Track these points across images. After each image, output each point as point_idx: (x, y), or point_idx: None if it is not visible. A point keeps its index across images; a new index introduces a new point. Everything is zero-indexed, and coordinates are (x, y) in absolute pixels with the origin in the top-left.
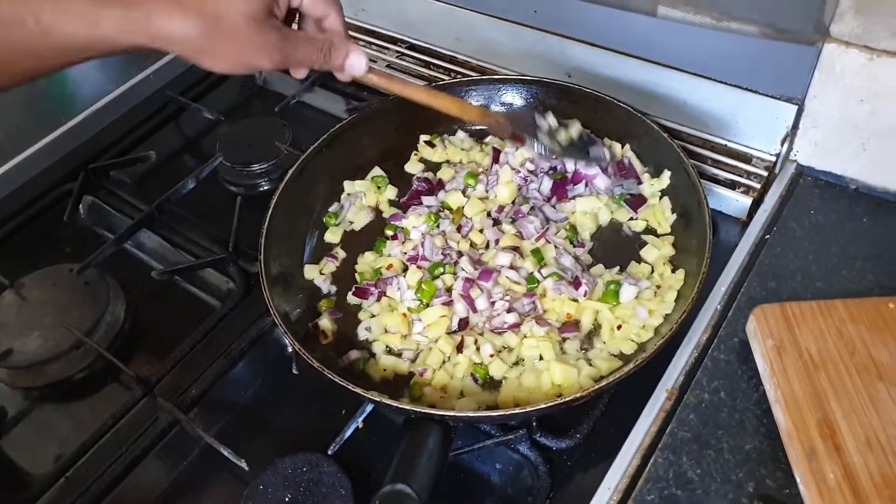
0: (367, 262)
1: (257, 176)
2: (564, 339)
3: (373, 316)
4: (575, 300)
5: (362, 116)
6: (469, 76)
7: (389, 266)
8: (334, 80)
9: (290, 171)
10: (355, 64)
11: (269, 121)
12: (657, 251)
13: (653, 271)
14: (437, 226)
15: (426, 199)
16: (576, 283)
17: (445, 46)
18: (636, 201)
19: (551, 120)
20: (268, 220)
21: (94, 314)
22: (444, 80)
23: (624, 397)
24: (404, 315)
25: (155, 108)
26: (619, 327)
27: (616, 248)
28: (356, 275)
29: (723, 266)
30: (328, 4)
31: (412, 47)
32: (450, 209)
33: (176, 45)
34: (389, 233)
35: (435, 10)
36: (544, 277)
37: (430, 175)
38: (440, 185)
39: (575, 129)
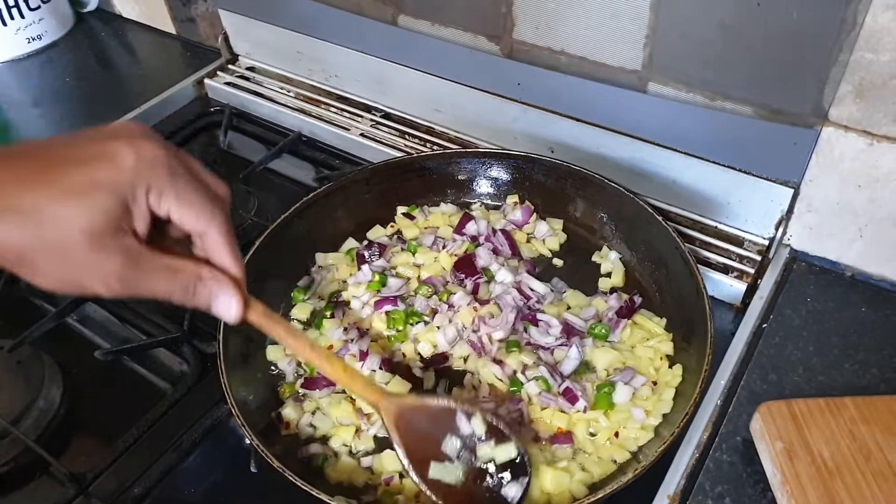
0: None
1: None
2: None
3: (317, 409)
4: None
5: (337, 185)
6: (447, 148)
7: (331, 347)
8: (304, 146)
9: (258, 242)
10: (222, 307)
11: (232, 188)
12: (652, 351)
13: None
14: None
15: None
16: (567, 395)
17: (423, 116)
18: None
19: (477, 427)
20: None
21: (25, 399)
22: (421, 150)
23: (620, 503)
24: (353, 402)
25: None
26: (616, 434)
27: None
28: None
29: (720, 357)
30: (206, 219)
31: (387, 116)
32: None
33: None
34: (327, 313)
35: (413, 79)
36: (528, 380)
37: (386, 239)
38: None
39: (504, 453)
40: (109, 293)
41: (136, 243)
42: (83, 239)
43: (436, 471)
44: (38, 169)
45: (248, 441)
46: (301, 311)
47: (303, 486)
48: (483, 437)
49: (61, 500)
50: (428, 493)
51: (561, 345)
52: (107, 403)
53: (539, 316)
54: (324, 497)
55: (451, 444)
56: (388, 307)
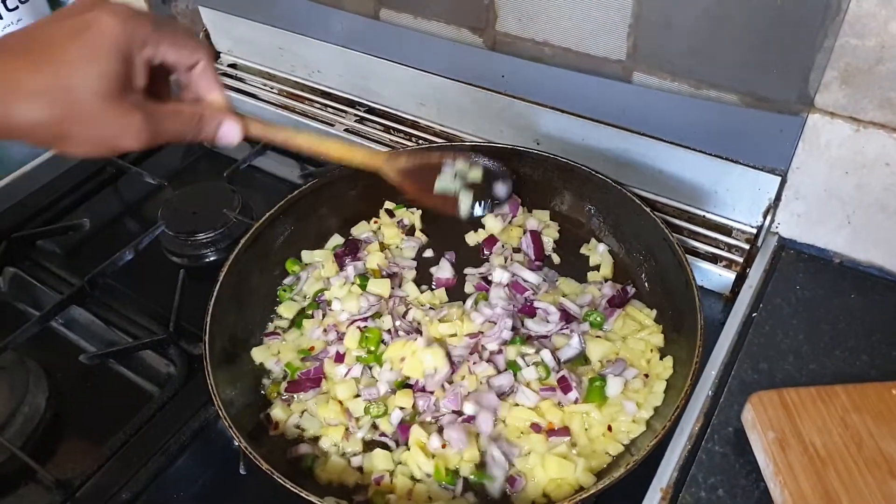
0: (289, 345)
1: (203, 246)
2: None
3: (304, 411)
4: (560, 405)
5: (322, 182)
6: (433, 142)
7: (311, 349)
8: None
9: (243, 241)
10: (228, 134)
11: (216, 186)
12: (643, 343)
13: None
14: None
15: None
16: (562, 384)
17: (407, 111)
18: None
19: (459, 164)
20: (215, 294)
21: (10, 405)
22: (406, 145)
23: (612, 496)
24: (341, 403)
25: (91, 172)
26: (609, 428)
27: None
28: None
29: (711, 347)
30: (194, 51)
31: (371, 111)
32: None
33: (29, 135)
34: (309, 311)
35: (396, 73)
36: (527, 364)
37: (369, 235)
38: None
39: (477, 170)
40: (139, 144)
41: (144, 98)
42: (104, 101)
43: (438, 185)
44: (40, 52)
45: (236, 443)
46: (286, 310)
47: (292, 488)
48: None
49: None
50: (437, 207)
51: (560, 330)
52: (93, 408)
53: (536, 304)
54: (313, 499)
55: (446, 175)
56: (361, 324)
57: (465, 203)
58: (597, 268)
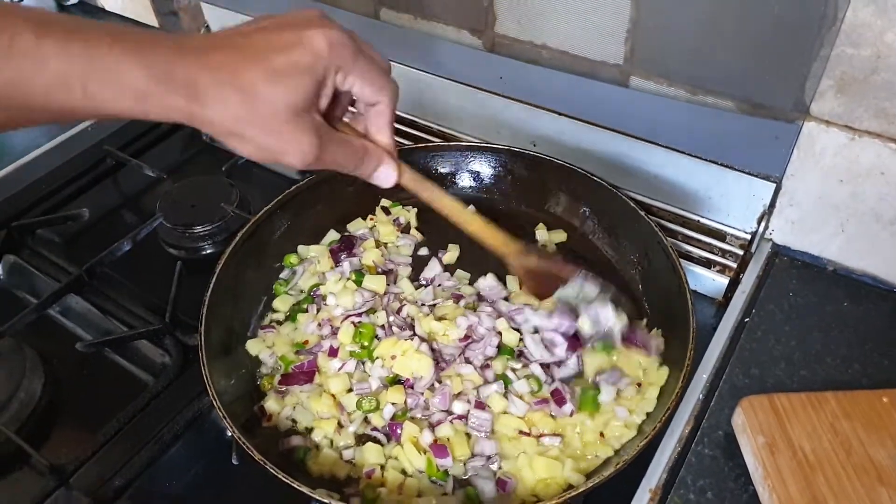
0: (283, 338)
1: (200, 239)
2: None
3: (297, 403)
4: (553, 416)
5: (319, 178)
6: (430, 142)
7: (306, 342)
8: None
9: (240, 234)
10: (384, 177)
11: (215, 180)
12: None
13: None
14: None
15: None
16: (556, 396)
17: (405, 111)
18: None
19: (587, 286)
20: (211, 286)
21: (6, 390)
22: (404, 144)
23: (601, 497)
24: (334, 397)
25: (91, 163)
26: (601, 434)
27: None
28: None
29: (702, 351)
30: (381, 90)
31: None
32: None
33: (209, 126)
34: (304, 306)
35: (395, 73)
36: (518, 378)
37: (365, 232)
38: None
39: (616, 322)
40: (301, 164)
41: (322, 119)
42: (288, 114)
43: (560, 294)
44: (248, 54)
45: (229, 433)
46: (282, 303)
47: (284, 479)
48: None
49: (42, 491)
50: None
51: (566, 360)
52: (88, 395)
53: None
54: (304, 490)
55: (570, 288)
56: (355, 319)
57: (585, 325)
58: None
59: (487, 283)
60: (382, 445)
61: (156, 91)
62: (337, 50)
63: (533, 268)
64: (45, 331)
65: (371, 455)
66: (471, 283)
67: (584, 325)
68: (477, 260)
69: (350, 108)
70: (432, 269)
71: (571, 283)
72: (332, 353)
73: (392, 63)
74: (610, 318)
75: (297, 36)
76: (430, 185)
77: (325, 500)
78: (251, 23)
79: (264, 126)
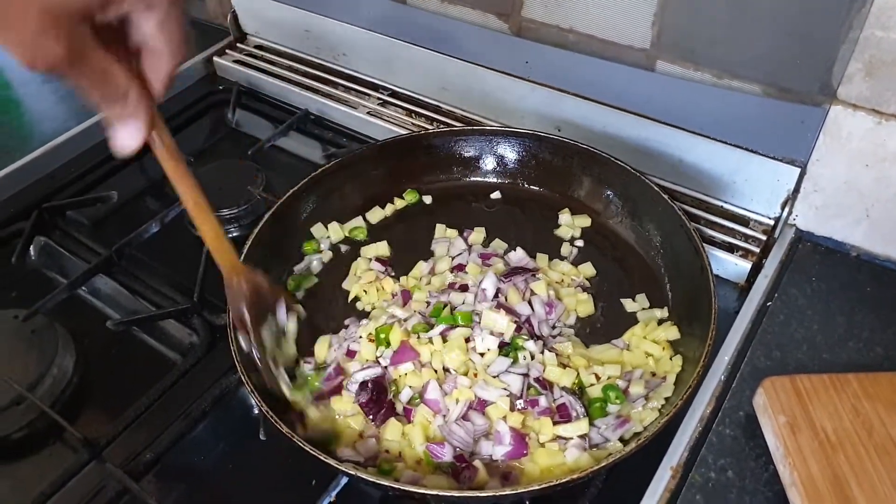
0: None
1: (227, 221)
2: None
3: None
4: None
5: (345, 161)
6: (453, 126)
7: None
8: (312, 124)
9: (266, 216)
10: (124, 136)
11: (241, 164)
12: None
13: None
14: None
15: None
16: (561, 412)
17: (430, 95)
18: None
19: (284, 319)
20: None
21: (40, 367)
22: (427, 128)
23: (623, 474)
24: None
25: None
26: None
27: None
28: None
29: (724, 334)
30: (166, 34)
31: (395, 94)
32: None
33: None
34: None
35: (421, 58)
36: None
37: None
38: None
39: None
40: (44, 68)
41: (91, 32)
42: (39, 11)
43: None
44: None
45: (256, 410)
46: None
47: (312, 452)
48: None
49: (75, 464)
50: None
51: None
52: (117, 373)
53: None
54: (332, 462)
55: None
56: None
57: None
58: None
59: (517, 255)
60: (402, 424)
61: None
62: None
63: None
64: (75, 310)
65: (391, 432)
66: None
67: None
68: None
69: None
70: (457, 247)
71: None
72: (350, 354)
73: (417, 47)
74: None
75: None
76: (179, 163)
77: (352, 473)
78: None
79: (10, 18)
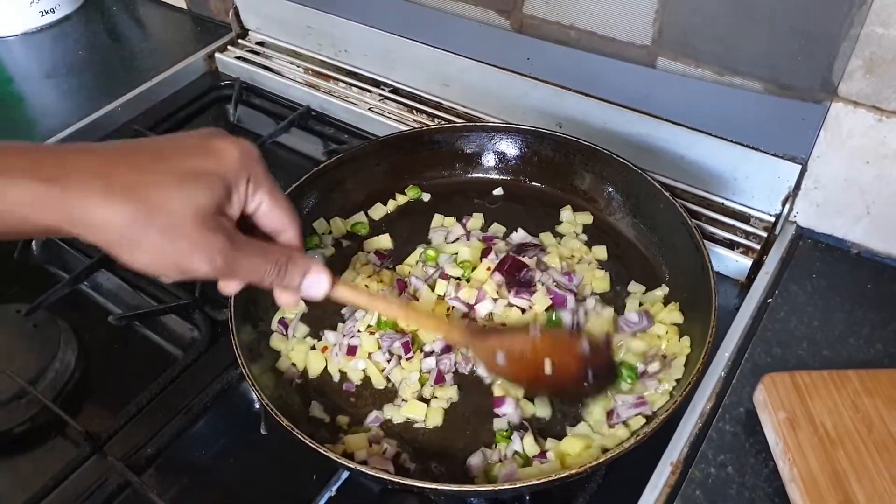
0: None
1: None
2: None
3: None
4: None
5: (347, 157)
6: (454, 122)
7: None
8: (313, 121)
9: None
10: (315, 285)
11: None
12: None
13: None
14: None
15: None
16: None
17: (431, 91)
18: None
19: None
20: None
21: (42, 361)
22: (428, 125)
23: (622, 469)
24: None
25: None
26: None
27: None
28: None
29: (725, 330)
30: (286, 218)
31: (396, 91)
32: None
33: (94, 232)
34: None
35: (422, 54)
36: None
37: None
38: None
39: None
40: (211, 272)
41: (233, 226)
42: (192, 219)
43: None
44: (150, 158)
45: (257, 405)
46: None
47: (312, 446)
48: None
49: (77, 458)
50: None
51: None
52: (119, 368)
53: None
54: (332, 456)
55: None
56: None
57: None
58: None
59: (519, 235)
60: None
61: (17, 185)
62: (248, 159)
63: (488, 344)
64: (77, 305)
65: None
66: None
67: None
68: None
69: None
70: (455, 233)
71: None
72: (351, 351)
73: (418, 44)
74: None
75: (208, 143)
76: (366, 293)
77: (353, 467)
78: (166, 137)
79: (165, 232)
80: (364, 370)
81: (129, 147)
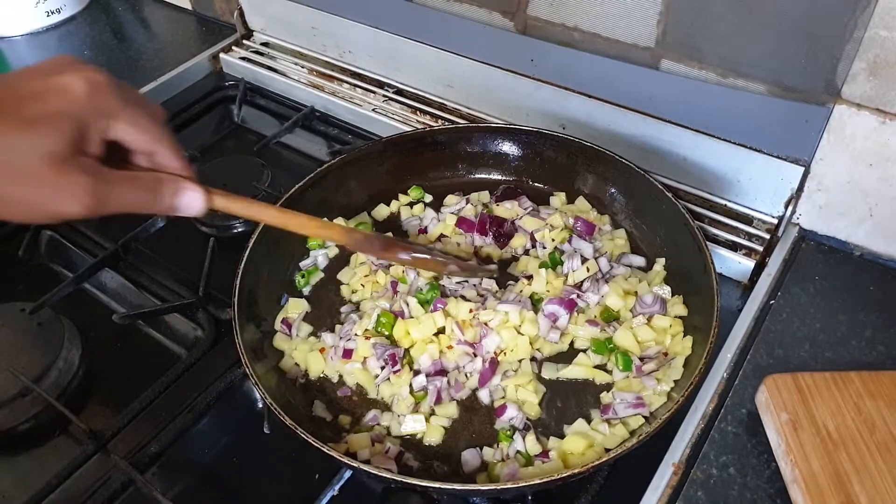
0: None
1: (232, 217)
2: None
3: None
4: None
5: (350, 157)
6: (458, 123)
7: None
8: (317, 121)
9: None
10: (190, 203)
11: (246, 160)
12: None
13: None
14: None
15: None
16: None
17: (435, 92)
18: None
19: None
20: (244, 261)
21: (46, 359)
22: (432, 126)
23: (625, 470)
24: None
25: None
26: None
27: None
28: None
29: (727, 331)
30: (154, 139)
31: (400, 92)
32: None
33: None
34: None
35: (426, 55)
36: None
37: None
38: None
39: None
40: (84, 211)
41: (95, 163)
42: (48, 164)
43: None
44: None
45: (260, 404)
46: (294, 308)
47: (315, 444)
48: None
49: (81, 456)
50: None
51: None
52: (123, 366)
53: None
54: (335, 455)
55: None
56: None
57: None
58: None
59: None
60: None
61: None
62: (99, 94)
63: (362, 240)
64: (81, 304)
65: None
66: None
67: None
68: None
69: None
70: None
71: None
72: (347, 354)
73: (422, 45)
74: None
75: (54, 82)
76: (245, 200)
77: (356, 466)
78: (10, 73)
79: (24, 183)
80: (356, 375)
81: None
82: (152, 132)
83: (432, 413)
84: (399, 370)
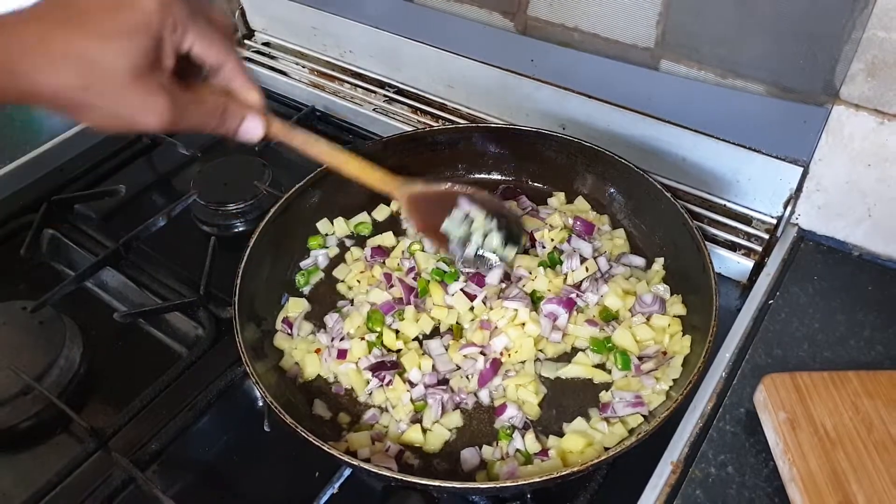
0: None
1: (233, 216)
2: None
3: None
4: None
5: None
6: (458, 123)
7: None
8: (318, 121)
9: (273, 210)
10: (250, 130)
11: (248, 159)
12: (667, 317)
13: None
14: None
15: None
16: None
17: (435, 92)
18: None
19: (472, 209)
20: (245, 259)
21: (47, 357)
22: (432, 125)
23: (623, 468)
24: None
25: (127, 141)
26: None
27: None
28: None
29: (726, 331)
30: (223, 53)
31: (400, 92)
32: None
33: (49, 98)
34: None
35: (426, 55)
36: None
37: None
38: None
39: (490, 221)
40: (159, 125)
41: (171, 81)
42: (131, 79)
43: (445, 225)
44: (76, 22)
45: (261, 402)
46: (295, 307)
47: (315, 443)
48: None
49: (82, 454)
50: (439, 246)
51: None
52: (124, 365)
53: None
54: (335, 453)
55: (455, 217)
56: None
57: (458, 252)
58: None
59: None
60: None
61: None
62: (169, 7)
63: (418, 195)
64: (82, 302)
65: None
66: None
67: (457, 253)
68: None
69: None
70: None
71: (455, 211)
72: (341, 355)
73: (423, 45)
74: (495, 248)
75: None
76: (301, 133)
77: (356, 464)
78: None
79: (111, 92)
80: (350, 377)
81: (47, 8)
82: (221, 46)
83: (436, 423)
84: (391, 382)
